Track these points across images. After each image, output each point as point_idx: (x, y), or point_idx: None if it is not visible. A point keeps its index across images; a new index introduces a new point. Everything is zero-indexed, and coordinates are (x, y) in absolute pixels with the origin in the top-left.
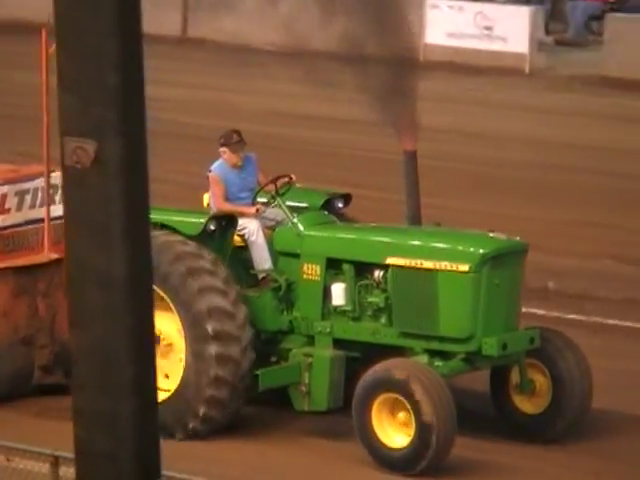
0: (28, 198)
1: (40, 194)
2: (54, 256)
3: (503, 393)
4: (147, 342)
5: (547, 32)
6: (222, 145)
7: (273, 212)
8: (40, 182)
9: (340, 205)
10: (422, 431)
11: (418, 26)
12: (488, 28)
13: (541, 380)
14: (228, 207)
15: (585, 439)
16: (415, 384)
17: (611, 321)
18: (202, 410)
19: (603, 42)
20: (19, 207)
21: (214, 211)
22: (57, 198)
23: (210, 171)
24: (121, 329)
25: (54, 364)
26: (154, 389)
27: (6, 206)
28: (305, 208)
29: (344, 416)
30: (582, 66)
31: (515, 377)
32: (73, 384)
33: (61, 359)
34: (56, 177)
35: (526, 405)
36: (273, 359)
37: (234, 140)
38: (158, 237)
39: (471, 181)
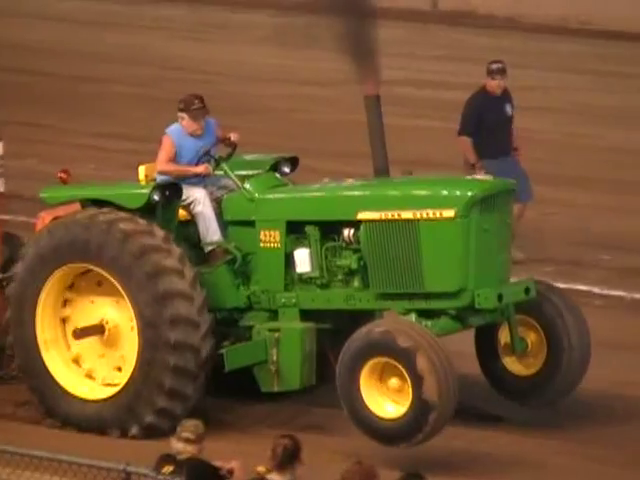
0: None
1: None
2: None
3: (491, 354)
4: None
5: None
6: (181, 110)
7: (215, 179)
8: None
9: (287, 170)
10: (421, 402)
11: None
12: None
13: (533, 338)
14: (172, 167)
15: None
16: (416, 349)
17: None
18: (160, 403)
19: None
20: None
21: (157, 174)
22: None
23: (165, 134)
24: None
25: None
26: None
27: None
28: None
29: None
30: None
31: (504, 336)
32: None
33: None
34: None
35: (517, 366)
36: (226, 344)
37: (195, 106)
38: (98, 215)
39: None
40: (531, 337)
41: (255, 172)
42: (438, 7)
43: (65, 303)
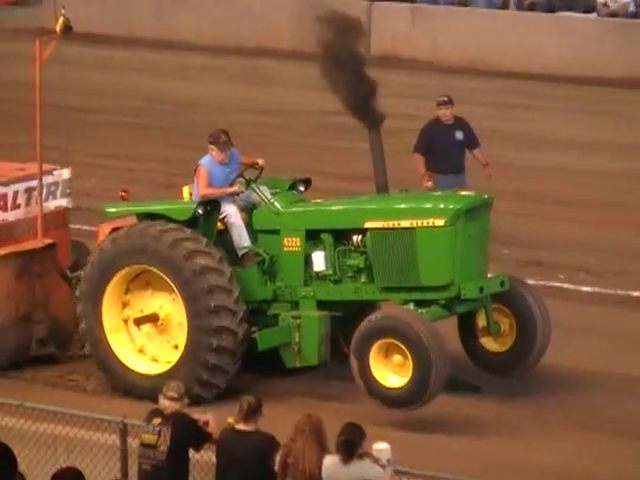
0: (35, 194)
1: (45, 190)
2: (47, 241)
3: (471, 335)
4: None
5: None
6: (211, 143)
7: (245, 196)
8: (45, 179)
9: (302, 189)
10: (420, 375)
11: None
12: None
13: (505, 321)
14: (212, 190)
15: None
16: (414, 330)
17: None
18: (205, 376)
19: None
20: (27, 202)
21: (197, 198)
22: (58, 192)
23: (199, 164)
24: None
25: (49, 337)
26: None
27: (17, 202)
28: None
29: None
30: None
31: (481, 321)
32: None
33: (54, 333)
34: (58, 175)
35: (492, 345)
36: (257, 329)
37: (222, 140)
38: (154, 226)
39: None
40: (504, 322)
41: (277, 190)
42: (371, 53)
43: (126, 297)
